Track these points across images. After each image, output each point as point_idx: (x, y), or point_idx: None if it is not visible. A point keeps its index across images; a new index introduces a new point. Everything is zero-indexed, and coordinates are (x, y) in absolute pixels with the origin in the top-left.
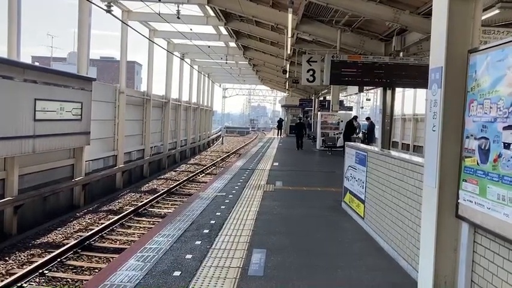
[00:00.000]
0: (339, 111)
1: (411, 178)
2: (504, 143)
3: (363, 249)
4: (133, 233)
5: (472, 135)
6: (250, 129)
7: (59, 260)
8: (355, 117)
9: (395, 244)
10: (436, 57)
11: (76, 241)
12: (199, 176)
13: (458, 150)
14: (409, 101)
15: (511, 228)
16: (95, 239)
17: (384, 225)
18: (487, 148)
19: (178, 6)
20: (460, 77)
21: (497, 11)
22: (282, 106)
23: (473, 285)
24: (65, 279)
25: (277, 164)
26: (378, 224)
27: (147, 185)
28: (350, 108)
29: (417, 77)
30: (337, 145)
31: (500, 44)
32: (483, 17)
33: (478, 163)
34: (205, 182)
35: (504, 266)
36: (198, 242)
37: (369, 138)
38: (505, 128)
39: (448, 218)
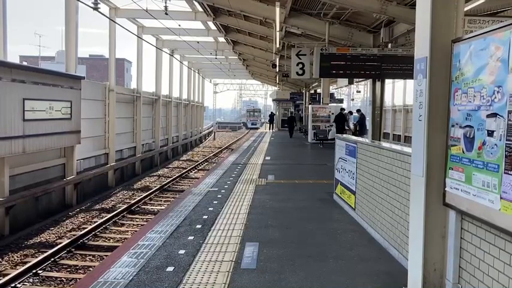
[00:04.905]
0: (329, 104)
1: (400, 168)
2: (488, 131)
3: (355, 239)
4: (127, 231)
5: (457, 124)
6: (249, 125)
7: (52, 259)
8: (343, 109)
9: (385, 234)
10: (421, 47)
11: (69, 240)
12: (191, 172)
13: (444, 139)
14: (399, 92)
15: (496, 214)
16: (88, 238)
17: (375, 215)
18: (471, 136)
19: (165, 2)
20: (445, 66)
21: (482, 0)
22: (273, 100)
23: (462, 271)
24: (59, 279)
25: (269, 158)
26: (369, 214)
27: (139, 182)
28: (341, 101)
29: (406, 68)
30: (329, 138)
31: (482, 33)
32: (469, 7)
33: (463, 151)
34: (198, 178)
35: (490, 251)
36: (191, 237)
37: (360, 131)
38: (488, 116)
39: (435, 206)
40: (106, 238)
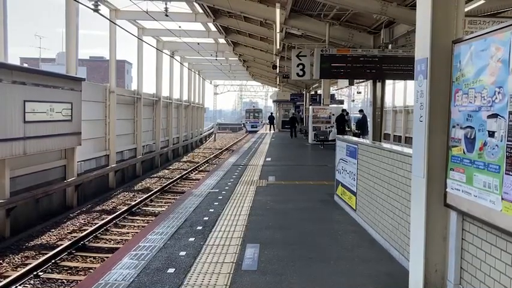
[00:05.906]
0: (330, 105)
1: (400, 169)
2: (489, 132)
3: (356, 240)
4: (128, 232)
5: (458, 125)
6: (249, 127)
7: (53, 261)
8: (344, 110)
9: (386, 235)
10: (421, 48)
11: (70, 242)
12: (192, 173)
13: (445, 139)
14: (400, 93)
15: (497, 215)
16: (89, 239)
17: (376, 216)
18: (472, 137)
19: (166, 4)
20: (445, 67)
21: (483, 1)
22: (273, 101)
23: (463, 272)
24: (60, 280)
25: (269, 159)
26: (370, 215)
27: (140, 184)
28: (341, 102)
29: (406, 69)
30: (329, 139)
31: (482, 34)
32: (470, 8)
33: (464, 152)
34: (198, 179)
35: (492, 252)
36: (192, 239)
37: (361, 131)
38: (489, 117)
39: (436, 207)
40: (107, 240)
